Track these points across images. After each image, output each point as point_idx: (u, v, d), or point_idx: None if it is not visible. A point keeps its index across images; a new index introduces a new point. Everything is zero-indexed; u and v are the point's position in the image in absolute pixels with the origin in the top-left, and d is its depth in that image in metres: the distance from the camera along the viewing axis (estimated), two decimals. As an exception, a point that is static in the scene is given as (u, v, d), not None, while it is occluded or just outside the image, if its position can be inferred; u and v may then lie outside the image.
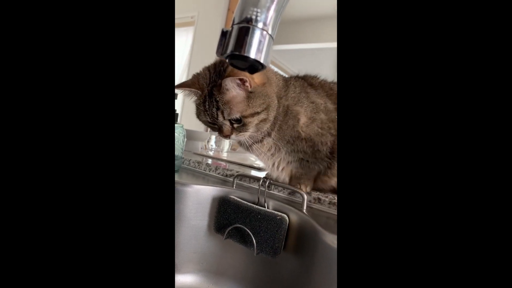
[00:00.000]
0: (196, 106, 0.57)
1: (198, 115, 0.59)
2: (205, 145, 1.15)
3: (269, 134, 0.59)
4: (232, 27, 0.31)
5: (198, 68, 0.60)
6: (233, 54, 0.30)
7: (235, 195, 0.63)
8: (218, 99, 0.53)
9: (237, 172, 0.71)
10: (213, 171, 0.78)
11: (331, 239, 0.47)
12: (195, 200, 0.65)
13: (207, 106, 0.54)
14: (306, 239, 0.52)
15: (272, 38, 0.30)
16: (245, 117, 0.53)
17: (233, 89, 0.52)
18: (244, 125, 0.54)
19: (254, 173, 0.77)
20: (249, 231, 0.57)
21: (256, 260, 0.60)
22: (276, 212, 0.56)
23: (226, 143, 1.16)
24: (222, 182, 0.72)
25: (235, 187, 0.66)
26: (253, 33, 0.29)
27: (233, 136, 0.55)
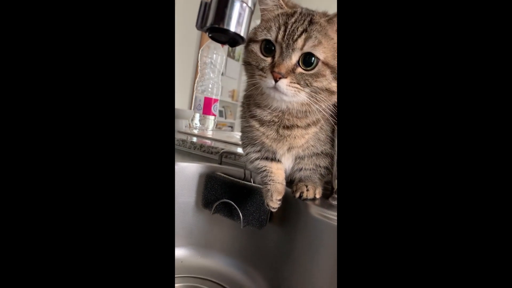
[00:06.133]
0: (264, 20, 0.44)
1: (257, 30, 0.44)
2: (189, 124, 1.14)
3: (317, 122, 0.48)
4: (211, -1, 0.30)
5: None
6: (213, 27, 0.29)
7: (222, 171, 0.64)
8: (316, 21, 0.41)
9: (222, 149, 0.72)
10: (198, 149, 0.78)
11: (315, 210, 0.49)
12: (182, 177, 0.65)
13: (292, 20, 0.41)
14: (291, 210, 0.54)
15: (252, 11, 0.30)
16: (325, 64, 0.41)
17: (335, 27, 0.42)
18: (312, 76, 0.41)
19: (240, 150, 0.78)
20: (235, 206, 0.58)
21: (242, 232, 0.62)
22: (261, 186, 0.58)
23: (211, 121, 1.15)
24: (208, 159, 0.72)
25: (222, 164, 0.67)
26: (232, 5, 0.28)
27: (285, 81, 0.40)
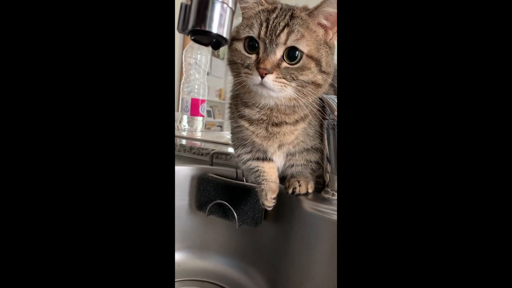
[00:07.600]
0: (245, 18, 0.44)
1: (240, 28, 0.44)
2: (177, 126, 1.13)
3: (305, 117, 0.49)
4: (191, 0, 0.30)
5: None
6: (195, 30, 0.29)
7: (213, 172, 0.64)
8: (297, 15, 0.42)
9: (212, 150, 0.71)
10: (188, 151, 0.77)
11: (309, 205, 0.49)
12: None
13: (273, 16, 0.41)
14: (285, 206, 0.55)
15: (233, 11, 0.30)
16: (309, 56, 0.41)
17: (319, 20, 0.42)
18: (298, 69, 0.41)
19: (230, 150, 0.78)
20: (229, 206, 0.58)
21: (238, 231, 0.62)
22: (254, 185, 0.58)
23: (200, 122, 1.14)
24: (199, 161, 0.72)
25: (213, 165, 0.67)
26: (213, 7, 0.28)
27: (271, 77, 0.40)
